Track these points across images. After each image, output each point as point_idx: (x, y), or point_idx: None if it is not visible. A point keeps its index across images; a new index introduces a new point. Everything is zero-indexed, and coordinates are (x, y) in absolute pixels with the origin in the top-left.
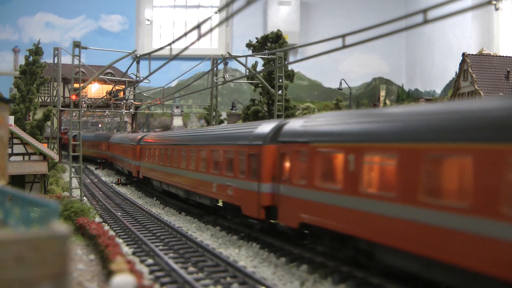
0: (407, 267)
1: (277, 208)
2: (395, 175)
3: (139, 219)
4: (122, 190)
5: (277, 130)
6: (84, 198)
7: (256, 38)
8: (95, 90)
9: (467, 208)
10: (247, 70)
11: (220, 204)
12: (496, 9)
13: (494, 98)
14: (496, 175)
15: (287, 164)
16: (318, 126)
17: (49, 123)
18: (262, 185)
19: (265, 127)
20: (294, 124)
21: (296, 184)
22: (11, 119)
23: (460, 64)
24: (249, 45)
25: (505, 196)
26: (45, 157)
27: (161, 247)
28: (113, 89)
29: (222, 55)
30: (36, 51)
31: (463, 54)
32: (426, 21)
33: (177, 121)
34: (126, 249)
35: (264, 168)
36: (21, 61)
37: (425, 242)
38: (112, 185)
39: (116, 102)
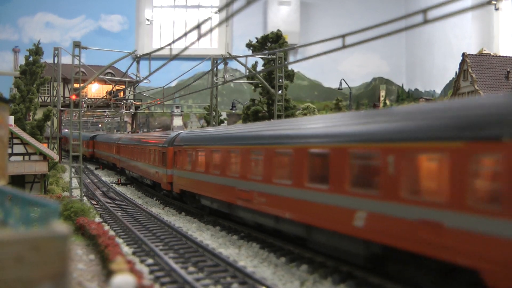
0: (207, 204)
1: (173, 183)
2: (204, 160)
3: (139, 219)
4: (122, 190)
5: (175, 137)
6: (84, 198)
7: (256, 38)
8: (95, 90)
9: (206, 172)
10: (247, 70)
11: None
12: (496, 9)
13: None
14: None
15: (176, 158)
16: (187, 136)
17: (49, 123)
18: (168, 170)
19: (172, 135)
20: (181, 134)
21: (179, 168)
22: (11, 119)
23: (460, 64)
24: (249, 45)
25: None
26: (45, 157)
27: (161, 247)
28: (113, 89)
29: (222, 55)
30: (36, 51)
31: (463, 54)
32: (426, 21)
33: (177, 121)
34: (126, 249)
35: (169, 160)
36: (21, 61)
37: (211, 191)
38: (112, 185)
39: (116, 102)
